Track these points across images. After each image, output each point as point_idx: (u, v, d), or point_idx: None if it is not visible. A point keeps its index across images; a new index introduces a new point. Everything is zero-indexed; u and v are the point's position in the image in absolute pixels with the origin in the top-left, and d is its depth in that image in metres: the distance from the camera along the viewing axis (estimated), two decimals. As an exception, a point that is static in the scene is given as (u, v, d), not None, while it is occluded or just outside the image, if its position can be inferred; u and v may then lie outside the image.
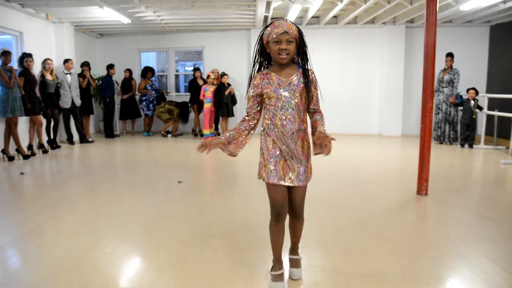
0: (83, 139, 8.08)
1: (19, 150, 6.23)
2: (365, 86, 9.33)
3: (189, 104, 9.17)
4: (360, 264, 2.43)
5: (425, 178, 3.93)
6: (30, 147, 6.67)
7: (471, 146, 7.27)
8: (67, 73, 7.66)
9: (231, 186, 4.75)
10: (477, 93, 7.36)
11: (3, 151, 6.14)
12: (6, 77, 5.86)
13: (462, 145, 7.37)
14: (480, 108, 7.36)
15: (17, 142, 6.17)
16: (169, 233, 2.98)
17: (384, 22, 8.75)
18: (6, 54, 5.91)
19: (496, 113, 7.04)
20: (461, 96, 7.57)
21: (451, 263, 2.48)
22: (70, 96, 7.68)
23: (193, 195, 4.11)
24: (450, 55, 7.67)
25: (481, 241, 2.79)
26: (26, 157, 6.25)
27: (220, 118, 8.55)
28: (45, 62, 7.21)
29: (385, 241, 2.83)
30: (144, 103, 9.19)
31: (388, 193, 4.17)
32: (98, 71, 9.48)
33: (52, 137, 7.41)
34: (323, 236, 2.88)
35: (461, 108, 7.62)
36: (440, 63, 7.95)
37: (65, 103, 7.63)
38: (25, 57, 6.59)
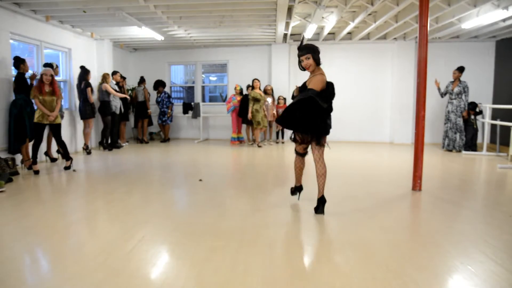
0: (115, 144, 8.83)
1: (47, 153, 6.80)
2: (377, 97, 9.97)
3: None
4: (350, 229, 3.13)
5: (419, 176, 4.58)
6: (86, 147, 7.74)
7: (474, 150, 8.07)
8: (116, 83, 8.72)
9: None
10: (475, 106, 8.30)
11: (46, 153, 6.81)
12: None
13: (466, 150, 8.02)
14: (479, 113, 8.16)
15: (49, 145, 6.77)
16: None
17: (395, 38, 9.41)
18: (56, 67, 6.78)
19: (498, 122, 7.56)
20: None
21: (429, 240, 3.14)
22: (119, 104, 8.69)
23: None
24: (458, 69, 8.22)
25: (450, 224, 3.43)
26: (53, 160, 6.83)
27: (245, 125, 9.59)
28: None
29: (378, 220, 3.52)
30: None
31: (387, 188, 4.84)
32: (131, 82, 10.43)
33: (101, 140, 8.37)
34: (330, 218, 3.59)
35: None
36: (448, 76, 8.59)
37: (116, 109, 8.61)
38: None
